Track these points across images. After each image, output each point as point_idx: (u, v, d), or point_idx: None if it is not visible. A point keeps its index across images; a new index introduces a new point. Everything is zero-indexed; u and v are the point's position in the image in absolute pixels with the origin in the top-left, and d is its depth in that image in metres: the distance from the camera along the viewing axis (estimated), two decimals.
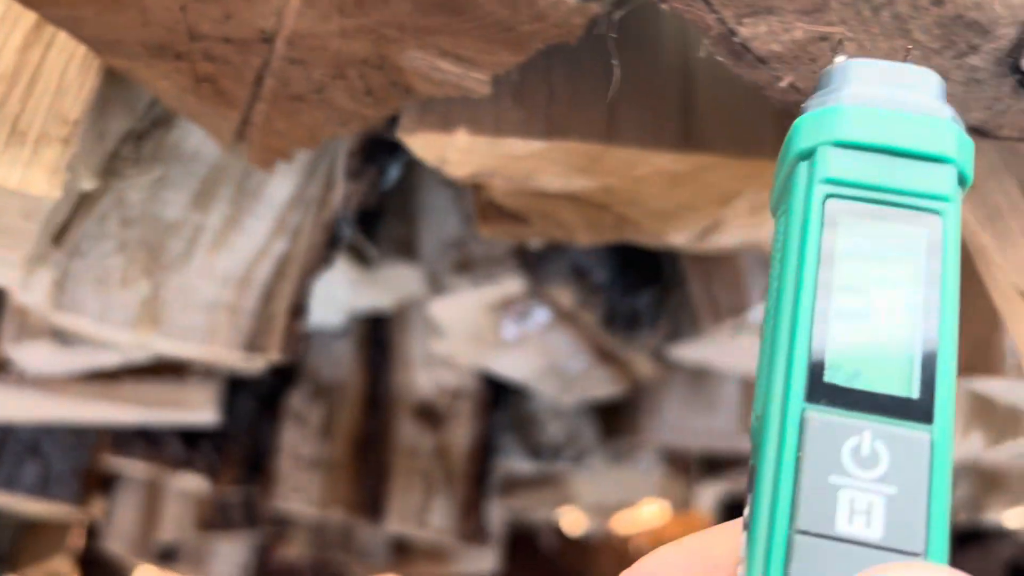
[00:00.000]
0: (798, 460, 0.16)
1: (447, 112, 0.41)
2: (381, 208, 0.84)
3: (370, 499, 0.90)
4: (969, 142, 0.18)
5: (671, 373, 0.98)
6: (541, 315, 0.73)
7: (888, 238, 0.17)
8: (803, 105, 0.22)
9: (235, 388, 0.99)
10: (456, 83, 0.38)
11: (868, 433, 0.16)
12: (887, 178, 0.17)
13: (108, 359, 0.82)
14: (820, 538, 0.16)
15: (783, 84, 0.32)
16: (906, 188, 0.18)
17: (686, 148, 0.43)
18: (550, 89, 0.42)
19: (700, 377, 0.96)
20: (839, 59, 0.22)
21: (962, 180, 0.18)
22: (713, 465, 1.15)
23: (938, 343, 0.16)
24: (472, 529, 0.88)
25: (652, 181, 0.46)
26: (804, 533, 0.16)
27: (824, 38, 0.29)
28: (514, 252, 0.69)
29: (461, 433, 0.91)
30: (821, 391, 0.16)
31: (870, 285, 0.17)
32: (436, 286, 0.71)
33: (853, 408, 0.16)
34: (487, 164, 0.43)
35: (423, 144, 0.41)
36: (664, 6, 0.29)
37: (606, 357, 0.79)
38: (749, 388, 0.96)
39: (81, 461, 1.10)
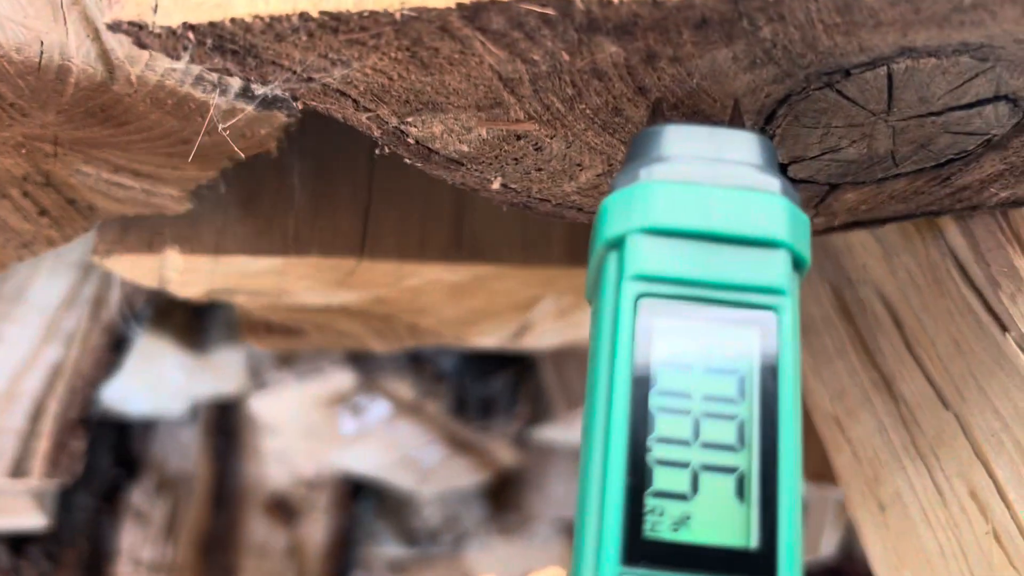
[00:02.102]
0: None
1: (155, 228, 0.34)
2: None
3: None
4: (804, 218, 0.14)
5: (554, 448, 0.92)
6: (380, 408, 0.66)
7: (714, 344, 0.13)
8: (612, 180, 0.17)
9: (72, 484, 0.90)
10: (145, 200, 0.31)
11: None
12: (709, 270, 0.14)
13: None
14: None
15: (495, 186, 0.26)
16: (732, 281, 0.14)
17: (457, 258, 0.37)
18: (288, 196, 0.36)
19: None
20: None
21: (798, 264, 0.14)
22: None
23: (779, 477, 0.13)
24: None
25: (430, 291, 0.39)
26: None
27: (520, 136, 0.23)
28: None
29: (317, 528, 0.83)
30: (640, 549, 0.13)
31: (696, 404, 0.13)
32: (257, 380, 0.64)
33: (681, 569, 0.12)
34: (219, 283, 0.36)
35: (129, 267, 0.34)
36: (298, 105, 0.23)
37: (462, 446, 0.73)
38: None
39: None
